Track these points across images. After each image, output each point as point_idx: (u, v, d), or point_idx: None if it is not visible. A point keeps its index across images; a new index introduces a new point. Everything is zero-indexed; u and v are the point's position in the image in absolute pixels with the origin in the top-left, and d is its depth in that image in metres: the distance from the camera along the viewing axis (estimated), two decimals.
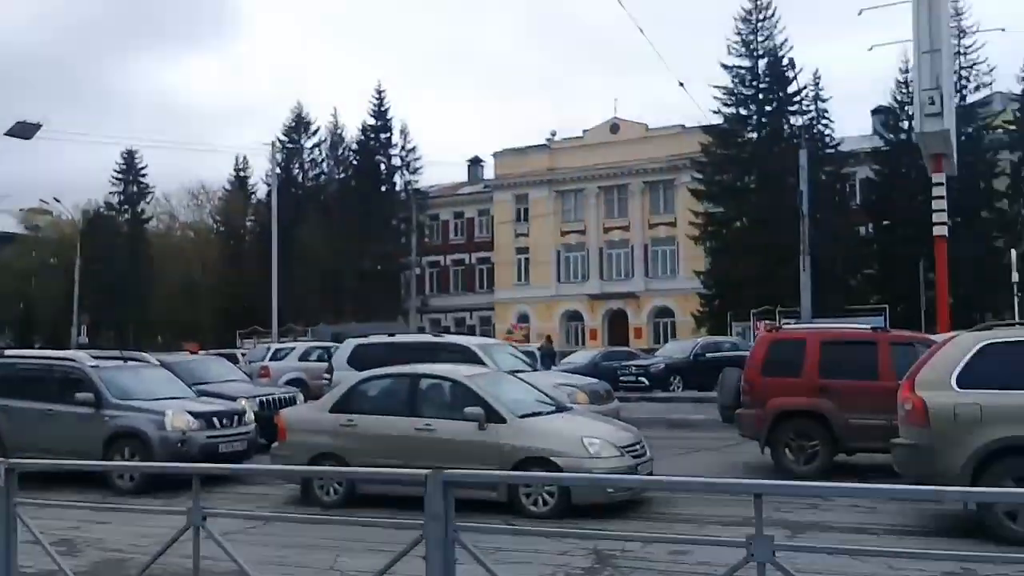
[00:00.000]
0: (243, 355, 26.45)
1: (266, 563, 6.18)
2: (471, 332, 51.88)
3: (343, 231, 51.79)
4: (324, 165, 58.62)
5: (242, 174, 59.40)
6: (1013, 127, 43.62)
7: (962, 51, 41.87)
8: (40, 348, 36.77)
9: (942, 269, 17.06)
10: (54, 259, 58.10)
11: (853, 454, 10.88)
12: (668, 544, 6.82)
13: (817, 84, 43.39)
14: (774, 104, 43.58)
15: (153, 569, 4.53)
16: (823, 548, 4.97)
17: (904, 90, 43.77)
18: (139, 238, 59.31)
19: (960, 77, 41.03)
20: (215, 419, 11.43)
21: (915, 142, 41.82)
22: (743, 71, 43.98)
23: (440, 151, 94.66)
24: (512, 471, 8.38)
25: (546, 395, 10.62)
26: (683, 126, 51.71)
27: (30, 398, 11.59)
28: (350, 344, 14.86)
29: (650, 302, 54.47)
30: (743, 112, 44.34)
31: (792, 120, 43.46)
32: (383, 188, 56.92)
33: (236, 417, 11.77)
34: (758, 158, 42.19)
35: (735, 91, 44.09)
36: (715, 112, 43.64)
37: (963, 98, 41.29)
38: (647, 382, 25.23)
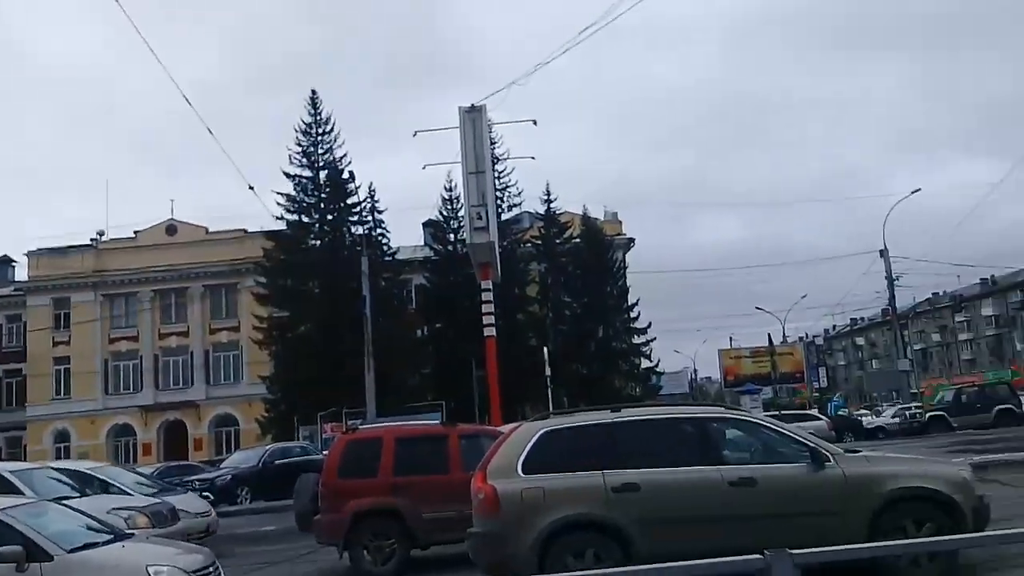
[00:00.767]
0: None
1: None
2: None
3: None
4: None
5: None
6: (539, 241, 50.21)
7: (497, 175, 47.52)
8: None
9: (492, 366, 18.74)
10: None
11: (428, 548, 11.10)
12: None
13: (373, 196, 45.76)
14: (335, 213, 44.97)
15: None
16: None
17: (450, 206, 48.31)
18: None
19: (496, 197, 46.44)
20: None
21: (463, 252, 46.52)
22: (305, 180, 44.90)
23: None
24: None
25: (100, 522, 9.40)
26: (245, 230, 51.10)
27: None
28: None
29: (212, 411, 51.97)
30: (306, 219, 45.08)
31: (353, 229, 45.14)
32: None
33: None
34: (321, 264, 43.03)
35: (297, 199, 44.77)
36: (279, 218, 43.83)
37: (499, 216, 46.73)
38: (212, 496, 23.71)
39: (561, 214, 51.17)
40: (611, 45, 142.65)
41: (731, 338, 66.44)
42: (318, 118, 45.24)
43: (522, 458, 7.89)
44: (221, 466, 28.40)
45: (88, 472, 14.99)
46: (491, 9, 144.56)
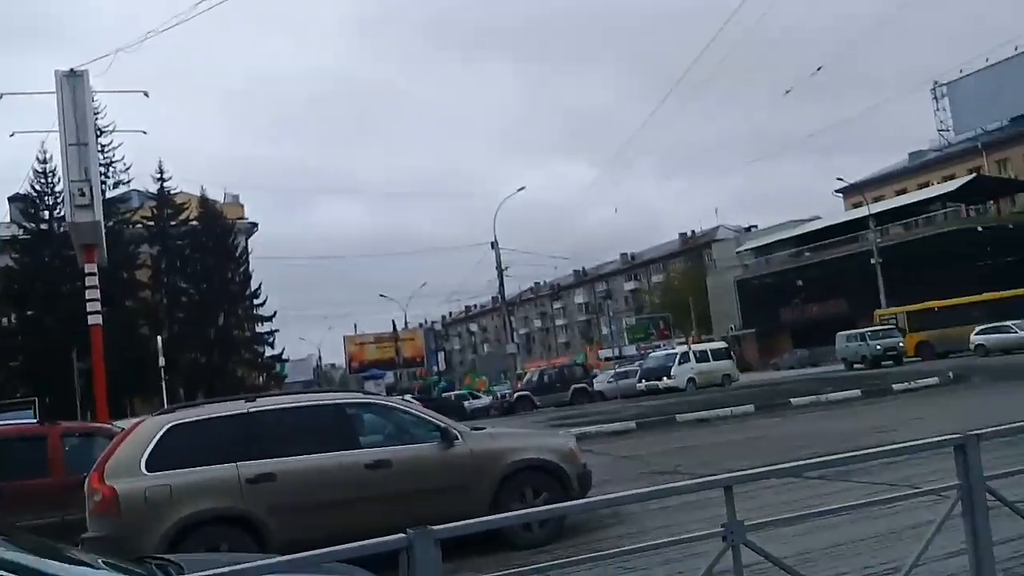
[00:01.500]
0: None
1: None
2: None
3: None
4: None
5: None
6: (152, 223, 46.71)
7: (101, 148, 43.27)
8: None
9: (98, 357, 17.05)
10: None
11: None
12: None
13: None
14: None
15: None
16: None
17: (44, 180, 43.09)
18: None
19: (101, 173, 42.27)
20: None
21: (61, 231, 41.67)
22: None
23: None
24: None
25: None
26: None
27: None
28: None
29: None
30: None
31: None
32: None
33: None
34: None
35: None
36: None
37: (103, 193, 42.61)
38: None
39: (176, 194, 48.14)
40: (231, 22, 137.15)
41: (355, 325, 67.42)
42: None
43: (146, 455, 7.41)
44: None
45: None
46: None
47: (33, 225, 43.05)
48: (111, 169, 44.04)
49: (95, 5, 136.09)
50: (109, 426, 11.10)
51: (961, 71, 72.62)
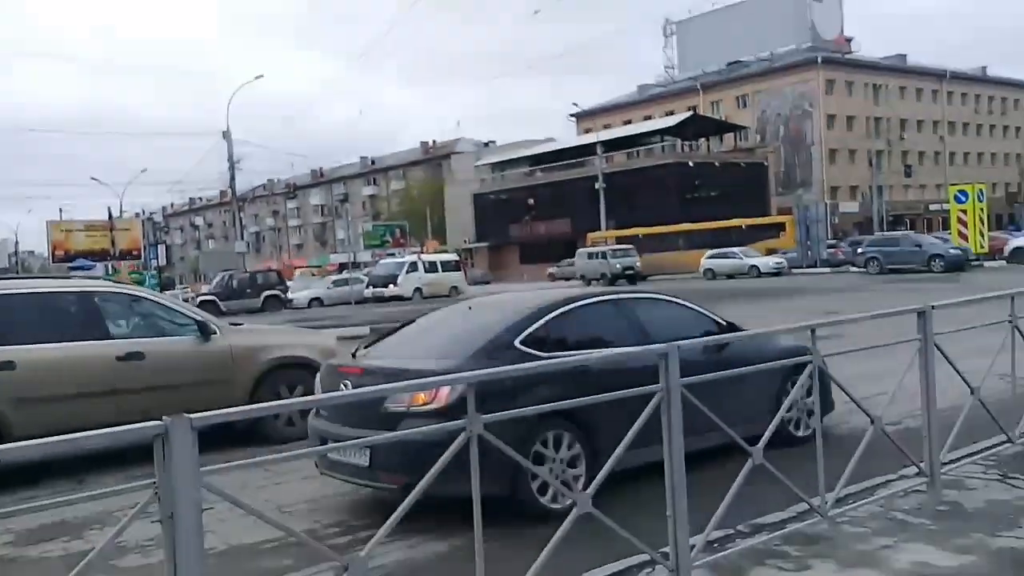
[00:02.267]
0: None
1: None
2: None
3: None
4: None
5: None
6: None
7: None
8: None
9: None
10: None
11: None
12: None
13: None
14: None
15: None
16: None
17: None
18: None
19: None
20: None
21: None
22: None
23: None
24: None
25: None
26: None
27: None
28: None
29: None
30: None
31: None
32: None
33: None
34: None
35: None
36: None
37: None
38: None
39: None
40: None
41: (61, 210, 61.27)
42: None
43: None
44: None
45: None
46: None
47: None
48: None
49: None
50: None
51: (690, 11, 78.12)
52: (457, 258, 45.64)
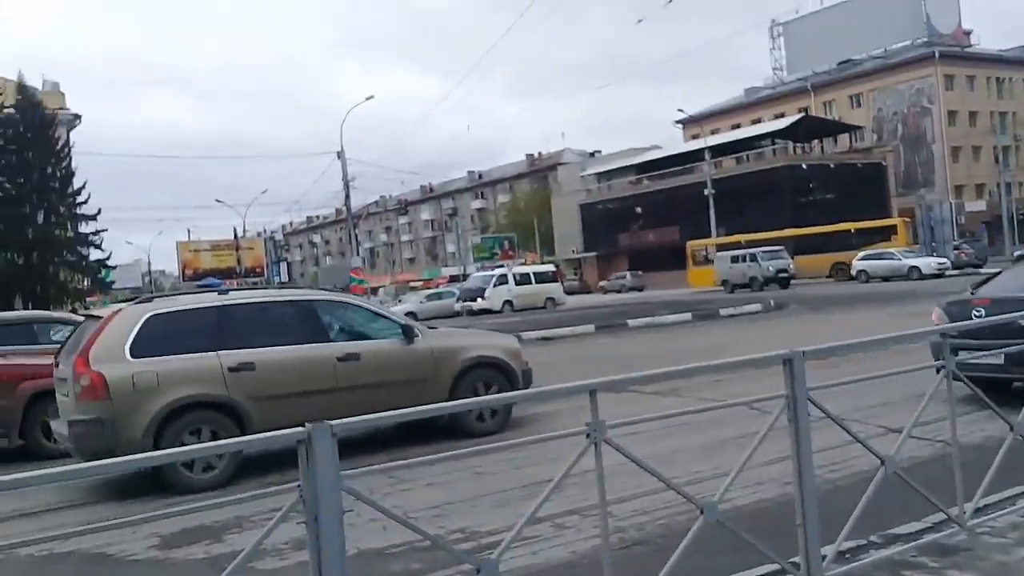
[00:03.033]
0: None
1: None
2: None
3: None
4: None
5: None
6: None
7: None
8: None
9: None
10: None
11: None
12: None
13: None
14: None
15: None
16: None
17: None
18: None
19: None
20: None
21: None
22: None
23: None
24: None
25: None
26: None
27: None
28: None
29: None
30: None
31: None
32: None
33: None
34: None
35: None
36: None
37: None
38: None
39: None
40: None
41: (189, 230, 64.43)
42: None
43: (129, 342, 7.63)
44: None
45: None
46: None
47: None
48: None
49: None
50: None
51: (797, 11, 76.07)
52: (554, 269, 44.81)
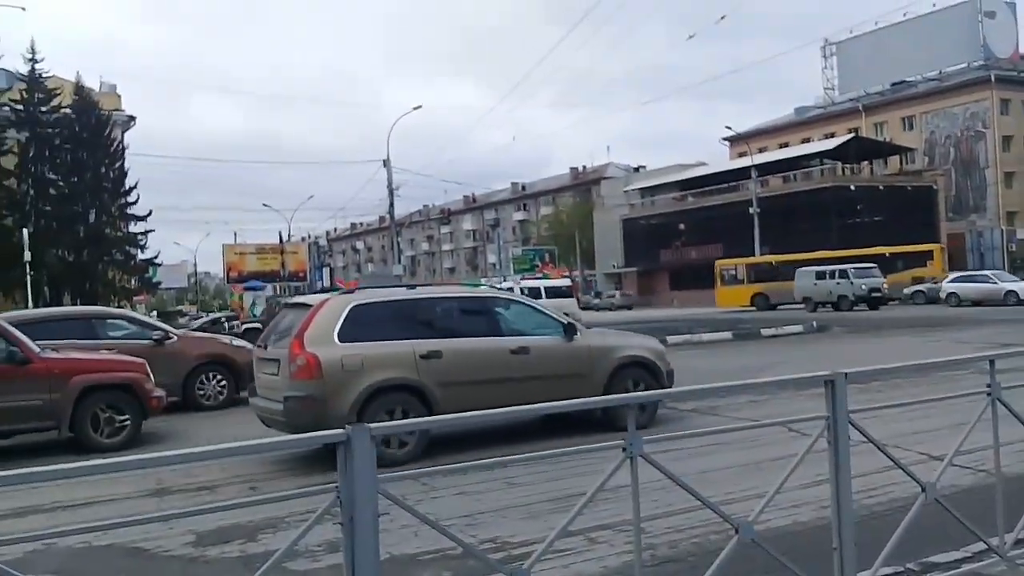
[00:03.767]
0: None
1: None
2: None
3: None
4: None
5: None
6: (20, 106, 43.71)
7: None
8: None
9: None
10: None
11: None
12: None
13: None
14: None
15: None
16: None
17: None
18: None
19: None
20: None
21: None
22: None
23: None
24: None
25: None
26: None
27: None
28: None
29: None
30: None
31: None
32: None
33: None
34: None
35: None
36: None
37: None
38: None
39: (48, 78, 45.00)
40: None
41: (235, 233, 65.42)
42: None
43: (337, 329, 8.54)
44: None
45: None
46: None
47: None
48: None
49: None
50: None
51: (851, 31, 75.22)
52: (569, 283, 43.38)
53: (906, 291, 39.51)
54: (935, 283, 38.59)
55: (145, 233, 48.72)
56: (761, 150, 65.62)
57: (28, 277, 32.49)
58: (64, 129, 45.03)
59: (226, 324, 32.13)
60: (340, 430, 2.41)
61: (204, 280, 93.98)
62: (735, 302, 44.05)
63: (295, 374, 8.36)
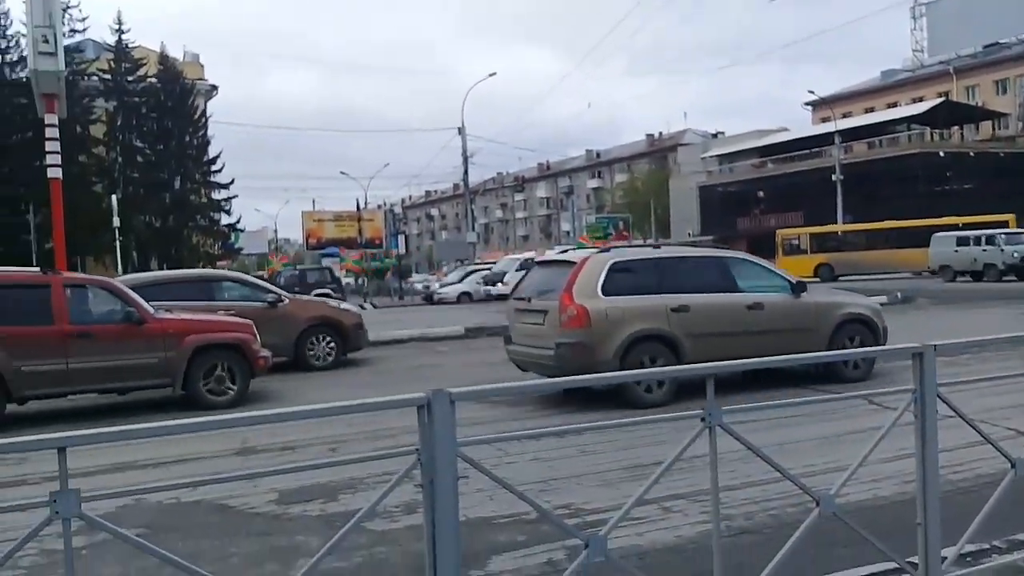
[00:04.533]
0: None
1: None
2: None
3: None
4: None
5: None
6: (108, 76, 45.06)
7: None
8: None
9: (58, 212, 16.71)
10: None
11: (26, 403, 10.05)
12: None
13: None
14: None
15: None
16: None
17: None
18: None
19: None
20: None
21: (12, 79, 40.09)
22: None
23: None
24: None
25: None
26: None
27: None
28: None
29: None
30: None
31: None
32: None
33: None
34: None
35: None
36: None
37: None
38: None
39: (134, 48, 46.27)
40: None
41: (314, 201, 66.52)
42: None
43: (600, 283, 9.52)
44: None
45: None
46: None
47: None
48: (67, 16, 42.08)
49: None
50: (103, 279, 11.22)
51: None
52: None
53: None
54: None
55: (228, 199, 50.02)
56: (845, 115, 63.59)
57: (117, 242, 33.65)
58: (150, 98, 46.38)
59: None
60: (421, 394, 2.44)
61: (284, 246, 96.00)
62: (798, 272, 42.90)
63: (566, 323, 9.37)
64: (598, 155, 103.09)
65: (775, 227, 59.27)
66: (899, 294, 25.13)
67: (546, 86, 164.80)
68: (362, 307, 28.50)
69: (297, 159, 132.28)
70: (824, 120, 63.79)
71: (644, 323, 9.48)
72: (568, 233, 75.53)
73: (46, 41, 15.68)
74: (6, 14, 40.71)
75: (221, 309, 12.54)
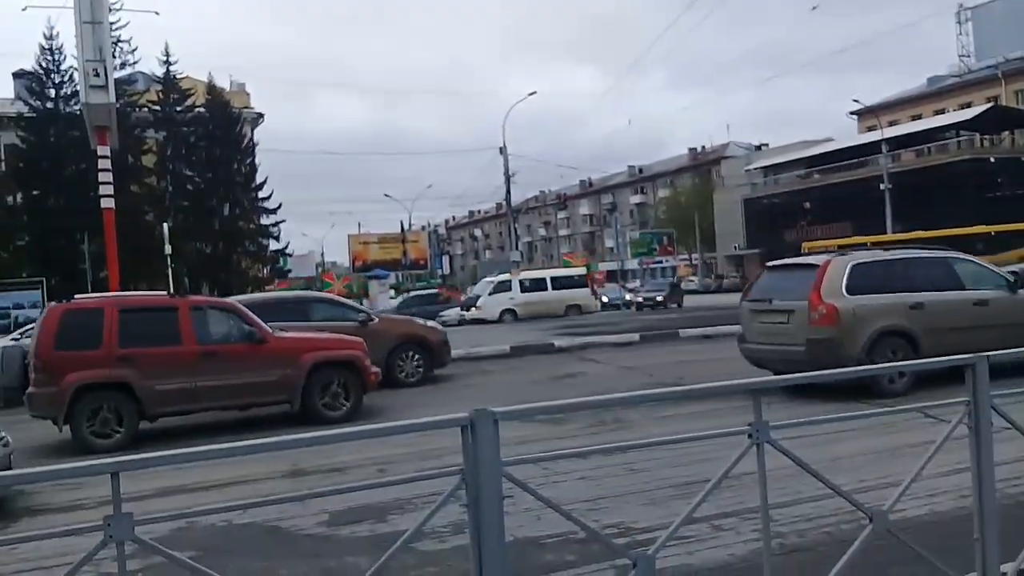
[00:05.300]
0: None
1: None
2: None
3: None
4: None
5: None
6: (157, 107, 46.13)
7: (110, 26, 42.40)
8: None
9: (111, 241, 17.20)
10: None
11: (156, 420, 10.51)
12: None
13: None
14: None
15: None
16: None
17: (50, 56, 42.41)
18: None
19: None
20: None
21: (67, 112, 41.26)
22: None
23: None
24: None
25: None
26: None
27: None
28: None
29: None
30: None
31: None
32: None
33: None
34: None
35: None
36: None
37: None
38: None
39: (182, 79, 47.33)
40: None
41: (359, 224, 67.34)
42: None
43: (844, 283, 10.27)
44: None
45: None
46: None
47: (39, 103, 42.46)
48: (117, 49, 43.17)
49: None
50: (224, 300, 11.75)
51: None
52: (584, 272, 40.90)
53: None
54: None
55: (276, 224, 50.76)
56: (892, 123, 62.54)
57: (169, 269, 34.32)
58: (198, 127, 47.34)
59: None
60: (463, 414, 2.46)
61: (331, 269, 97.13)
62: None
63: (816, 321, 10.11)
64: (640, 171, 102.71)
65: (823, 238, 58.44)
66: None
67: (587, 105, 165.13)
68: None
69: (342, 183, 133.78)
70: (870, 129, 62.89)
71: (886, 320, 10.21)
72: (612, 249, 75.15)
73: (97, 75, 16.17)
74: (60, 49, 41.87)
75: (316, 328, 12.90)
